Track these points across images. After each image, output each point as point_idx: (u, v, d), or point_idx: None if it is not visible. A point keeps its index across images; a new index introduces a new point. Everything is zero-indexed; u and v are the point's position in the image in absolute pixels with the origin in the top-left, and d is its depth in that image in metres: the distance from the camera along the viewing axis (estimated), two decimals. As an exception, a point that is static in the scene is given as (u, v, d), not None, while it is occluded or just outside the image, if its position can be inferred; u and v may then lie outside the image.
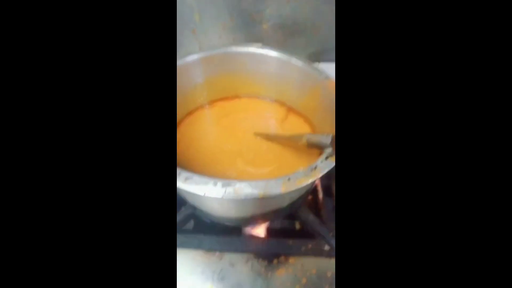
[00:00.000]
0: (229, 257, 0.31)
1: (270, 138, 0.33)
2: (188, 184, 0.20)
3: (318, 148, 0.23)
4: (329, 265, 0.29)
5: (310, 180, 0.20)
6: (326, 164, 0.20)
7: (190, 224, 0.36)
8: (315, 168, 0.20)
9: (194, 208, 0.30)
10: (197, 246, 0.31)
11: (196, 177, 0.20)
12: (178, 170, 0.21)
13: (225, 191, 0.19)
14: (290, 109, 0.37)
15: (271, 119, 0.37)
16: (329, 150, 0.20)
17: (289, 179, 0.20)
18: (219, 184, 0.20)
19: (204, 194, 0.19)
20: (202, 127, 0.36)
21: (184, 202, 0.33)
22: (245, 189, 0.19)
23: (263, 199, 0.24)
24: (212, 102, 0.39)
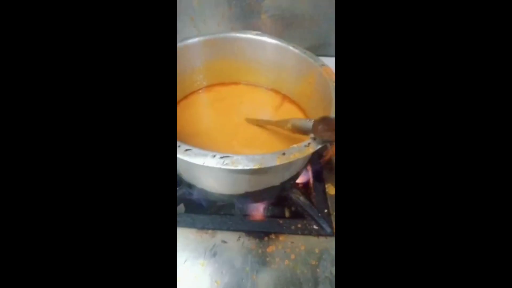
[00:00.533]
0: (221, 235, 0.32)
1: (260, 123, 0.34)
2: (187, 156, 0.21)
3: (303, 133, 0.24)
4: (317, 242, 0.31)
5: (303, 155, 0.21)
6: (318, 141, 0.22)
7: (181, 208, 0.36)
8: (309, 144, 0.22)
9: (189, 186, 0.31)
10: (190, 225, 0.32)
11: (195, 149, 0.21)
12: (178, 143, 0.21)
13: (223, 162, 0.20)
14: (285, 97, 0.38)
15: (266, 105, 0.38)
16: (311, 135, 0.21)
17: (283, 154, 0.21)
18: (218, 155, 0.21)
19: (204, 163, 0.20)
20: (199, 109, 0.37)
21: (179, 183, 0.34)
22: (242, 161, 0.20)
23: (257, 175, 0.25)
24: (209, 86, 0.39)
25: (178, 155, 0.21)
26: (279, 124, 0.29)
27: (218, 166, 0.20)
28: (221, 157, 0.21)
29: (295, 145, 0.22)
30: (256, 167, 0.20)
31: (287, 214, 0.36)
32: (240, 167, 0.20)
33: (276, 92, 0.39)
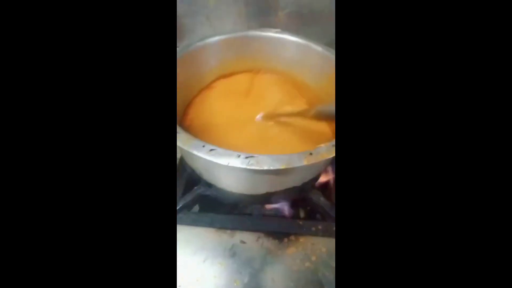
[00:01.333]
0: (240, 235, 0.32)
1: (278, 117, 0.33)
2: (212, 156, 0.20)
3: (330, 118, 0.23)
4: (338, 245, 0.30)
5: (331, 155, 0.20)
6: (346, 141, 0.21)
7: (196, 208, 0.36)
8: (335, 144, 0.21)
9: (208, 185, 0.31)
10: (209, 224, 0.32)
11: (219, 149, 0.21)
12: (202, 143, 0.21)
13: (248, 162, 0.20)
14: (306, 93, 0.37)
15: (284, 98, 0.37)
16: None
17: (311, 154, 0.20)
18: (242, 156, 0.20)
19: (228, 163, 0.20)
20: (214, 104, 0.36)
21: (196, 182, 0.34)
22: (268, 161, 0.20)
23: (280, 175, 0.24)
24: (224, 77, 0.38)
25: (203, 155, 0.20)
26: (301, 113, 0.29)
27: (243, 166, 0.20)
28: (246, 157, 0.20)
29: (322, 145, 0.21)
30: (282, 167, 0.20)
31: (302, 214, 0.36)
32: (265, 167, 0.20)
33: (295, 87, 0.38)
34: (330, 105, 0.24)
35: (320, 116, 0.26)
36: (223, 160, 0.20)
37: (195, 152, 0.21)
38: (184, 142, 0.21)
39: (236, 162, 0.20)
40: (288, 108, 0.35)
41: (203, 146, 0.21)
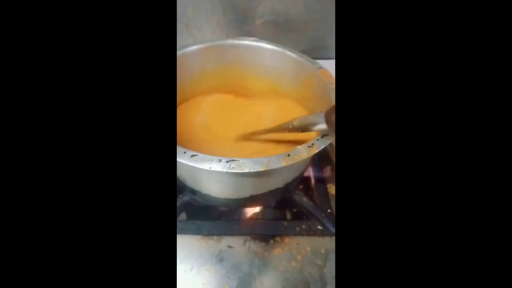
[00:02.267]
0: (226, 240, 0.32)
1: (254, 136, 0.32)
2: (194, 161, 0.21)
3: (312, 128, 0.24)
4: (322, 243, 0.31)
5: (308, 155, 0.21)
6: (322, 141, 0.22)
7: (183, 216, 0.36)
8: (312, 145, 0.22)
9: (193, 192, 0.31)
10: (195, 232, 0.32)
11: (201, 155, 0.21)
12: (183, 149, 0.22)
13: (229, 166, 0.20)
14: (285, 101, 0.38)
15: (266, 112, 0.38)
16: (324, 127, 0.21)
17: (288, 155, 0.21)
18: (224, 160, 0.21)
19: (210, 167, 0.20)
20: (197, 115, 0.37)
21: (181, 190, 0.33)
22: (248, 164, 0.21)
23: (262, 178, 0.25)
24: (207, 93, 0.40)
25: (185, 161, 0.21)
26: (282, 127, 0.29)
27: (225, 170, 0.20)
28: (227, 161, 0.21)
29: (299, 146, 0.22)
30: (262, 169, 0.20)
31: (288, 216, 0.37)
32: (246, 170, 0.20)
33: (276, 95, 0.39)
34: (315, 114, 0.24)
35: (303, 127, 0.25)
36: (205, 165, 0.21)
37: (177, 159, 0.21)
38: (165, 150, 0.21)
39: (217, 166, 0.21)
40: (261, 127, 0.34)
41: (185, 153, 0.21)
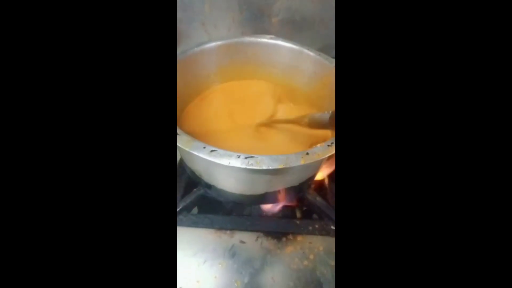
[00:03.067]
0: (239, 235, 0.32)
1: (273, 123, 0.34)
2: (213, 156, 0.21)
3: (321, 126, 0.24)
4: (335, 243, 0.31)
5: (327, 155, 0.21)
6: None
7: (194, 210, 0.37)
8: (332, 144, 0.22)
9: (208, 187, 0.31)
10: (209, 225, 0.33)
11: (220, 150, 0.22)
12: (203, 144, 0.22)
13: (248, 162, 0.21)
14: (299, 96, 0.38)
15: (279, 102, 0.38)
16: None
17: (307, 153, 0.21)
18: (242, 156, 0.21)
19: (229, 163, 0.21)
20: (213, 107, 0.37)
21: (196, 184, 0.34)
22: (267, 161, 0.21)
23: (278, 175, 0.25)
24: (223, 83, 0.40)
25: (204, 156, 0.21)
26: (296, 120, 0.30)
27: (243, 166, 0.21)
28: (246, 158, 0.21)
29: (318, 145, 0.22)
30: (280, 167, 0.21)
31: (298, 214, 0.37)
32: (264, 167, 0.21)
33: (291, 89, 0.39)
34: (323, 114, 0.24)
35: (313, 124, 0.27)
36: (223, 161, 0.21)
37: (196, 153, 0.21)
38: (185, 144, 0.22)
39: (236, 162, 0.21)
40: (282, 115, 0.36)
41: (204, 148, 0.22)
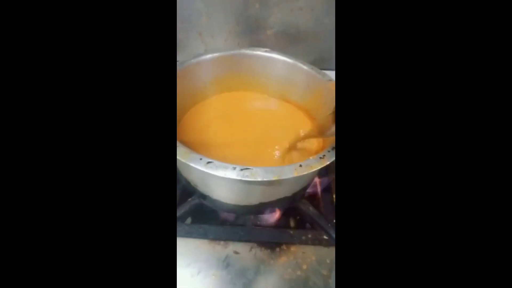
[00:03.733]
0: (233, 246, 0.32)
1: (296, 142, 0.33)
2: (209, 168, 0.22)
3: (327, 129, 0.25)
4: (328, 253, 0.32)
5: (319, 167, 0.22)
6: (333, 153, 0.23)
7: (188, 220, 0.36)
8: (324, 156, 0.23)
9: (203, 197, 0.32)
10: (203, 236, 0.33)
11: (216, 162, 0.22)
12: (200, 156, 0.22)
13: (243, 174, 0.21)
14: (295, 105, 0.39)
15: (277, 114, 0.39)
16: (333, 130, 0.22)
17: (300, 166, 0.22)
18: (238, 168, 0.22)
19: (225, 175, 0.21)
20: (208, 118, 0.37)
21: (191, 194, 0.34)
22: (261, 173, 0.21)
23: (273, 186, 0.26)
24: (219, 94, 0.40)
25: (200, 168, 0.22)
26: (309, 134, 0.31)
27: (239, 178, 0.21)
28: (241, 170, 0.21)
29: (311, 157, 0.23)
30: (274, 178, 0.21)
31: (292, 224, 0.37)
32: (259, 178, 0.21)
33: (286, 100, 0.40)
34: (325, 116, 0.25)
35: (322, 128, 0.27)
36: (219, 172, 0.21)
37: (193, 165, 0.22)
38: (182, 155, 0.22)
39: (232, 174, 0.21)
40: (299, 133, 0.35)
41: (201, 159, 0.22)
